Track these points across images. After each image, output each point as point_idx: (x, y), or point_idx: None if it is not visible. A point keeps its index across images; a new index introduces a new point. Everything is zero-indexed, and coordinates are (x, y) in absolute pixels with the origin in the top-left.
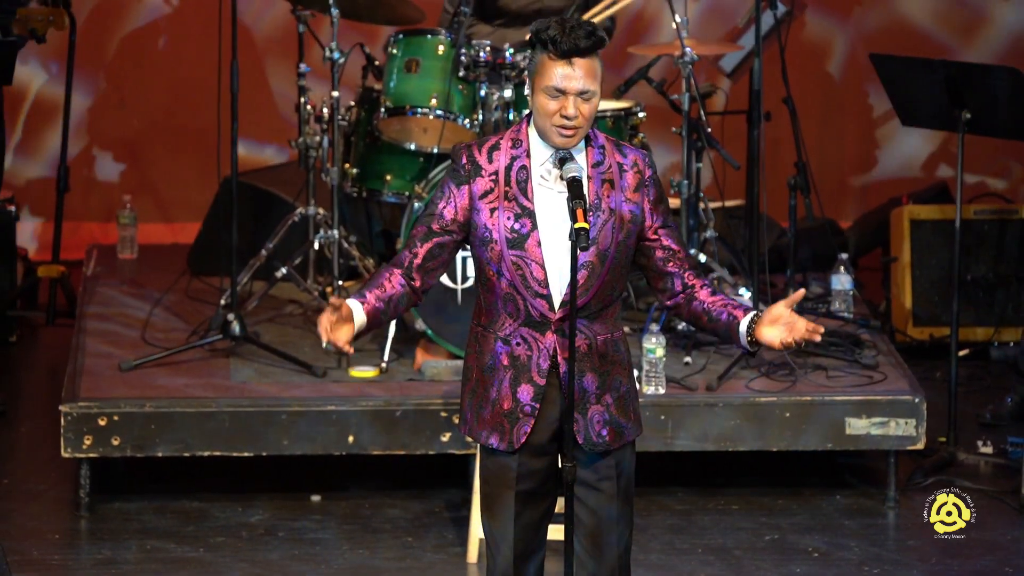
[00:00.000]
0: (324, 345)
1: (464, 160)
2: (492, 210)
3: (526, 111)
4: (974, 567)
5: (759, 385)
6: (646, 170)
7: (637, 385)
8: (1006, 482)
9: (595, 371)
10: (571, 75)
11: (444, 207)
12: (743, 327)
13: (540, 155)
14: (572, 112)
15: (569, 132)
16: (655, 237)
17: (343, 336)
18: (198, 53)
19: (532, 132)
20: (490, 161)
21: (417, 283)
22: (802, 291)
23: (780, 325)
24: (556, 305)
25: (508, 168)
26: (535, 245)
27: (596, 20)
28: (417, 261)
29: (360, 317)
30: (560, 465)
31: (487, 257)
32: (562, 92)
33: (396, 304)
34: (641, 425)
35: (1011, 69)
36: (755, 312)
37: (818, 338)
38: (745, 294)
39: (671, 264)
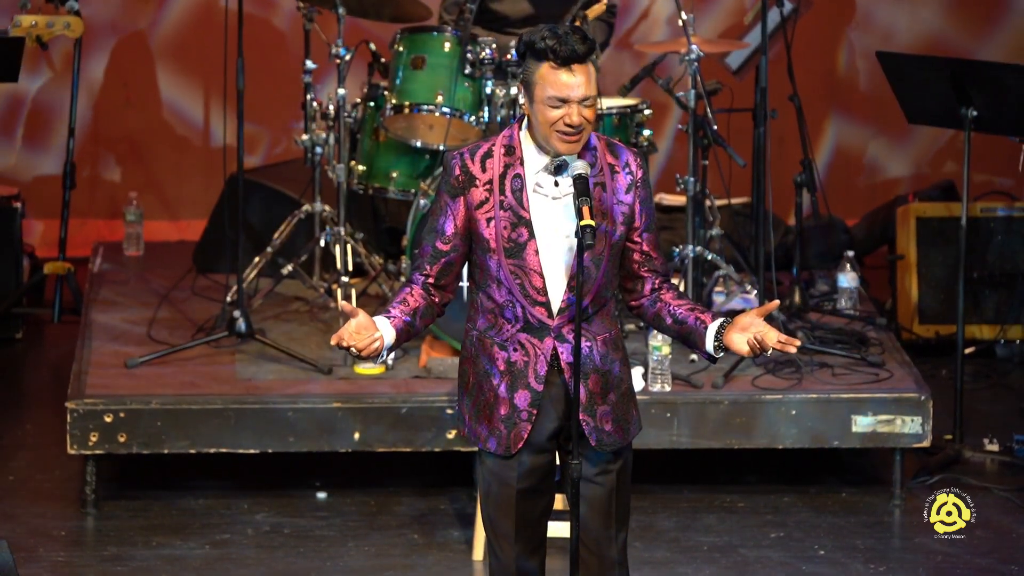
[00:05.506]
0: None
1: (457, 171)
2: (488, 220)
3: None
4: (980, 565)
5: (765, 383)
6: (638, 171)
7: (644, 382)
8: (1012, 479)
9: (598, 371)
10: (573, 83)
11: (444, 222)
12: (711, 332)
13: (534, 163)
14: (577, 120)
15: (574, 138)
16: (638, 240)
17: (363, 340)
18: (204, 50)
19: (525, 139)
20: (483, 170)
21: (436, 298)
22: (776, 302)
23: (750, 333)
24: (555, 312)
25: (502, 177)
26: (533, 253)
27: (597, 8)
28: (431, 280)
29: (390, 332)
30: (566, 463)
31: (485, 265)
32: (565, 101)
33: (422, 315)
34: (640, 420)
35: (1018, 66)
36: (724, 318)
37: (793, 350)
38: (751, 292)
39: (645, 269)
